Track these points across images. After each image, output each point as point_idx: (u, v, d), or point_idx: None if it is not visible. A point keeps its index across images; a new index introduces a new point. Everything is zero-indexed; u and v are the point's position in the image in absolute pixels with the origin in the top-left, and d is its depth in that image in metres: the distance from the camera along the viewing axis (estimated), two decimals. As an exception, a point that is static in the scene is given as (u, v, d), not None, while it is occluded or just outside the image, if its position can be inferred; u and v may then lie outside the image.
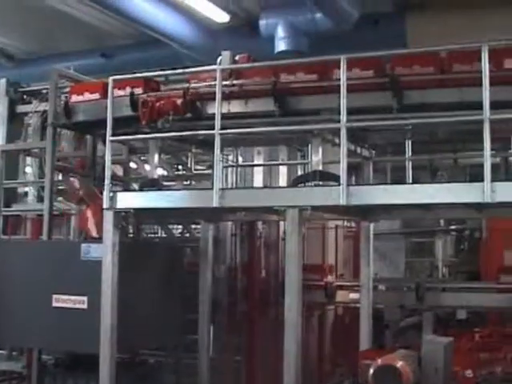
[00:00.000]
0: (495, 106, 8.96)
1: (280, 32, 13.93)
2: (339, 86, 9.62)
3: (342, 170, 9.50)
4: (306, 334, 13.13)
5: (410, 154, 13.10)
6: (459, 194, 9.20)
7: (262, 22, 14.18)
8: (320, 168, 10.75)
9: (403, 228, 20.55)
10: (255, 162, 15.19)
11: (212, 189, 10.15)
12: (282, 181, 15.57)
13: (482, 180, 8.92)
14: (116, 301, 10.81)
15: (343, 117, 9.53)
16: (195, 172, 16.84)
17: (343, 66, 9.64)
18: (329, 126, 10.47)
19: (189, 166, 16.90)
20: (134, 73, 12.32)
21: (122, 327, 10.85)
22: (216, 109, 10.19)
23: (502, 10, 12.64)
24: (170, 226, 15.95)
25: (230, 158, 15.24)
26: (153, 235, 17.32)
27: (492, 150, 8.96)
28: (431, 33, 13.10)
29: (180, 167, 18.12)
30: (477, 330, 12.21)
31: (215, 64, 11.53)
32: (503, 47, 9.94)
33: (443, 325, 14.42)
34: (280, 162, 15.34)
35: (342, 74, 9.61)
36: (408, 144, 12.92)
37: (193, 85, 11.29)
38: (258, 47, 13.53)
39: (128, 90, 11.51)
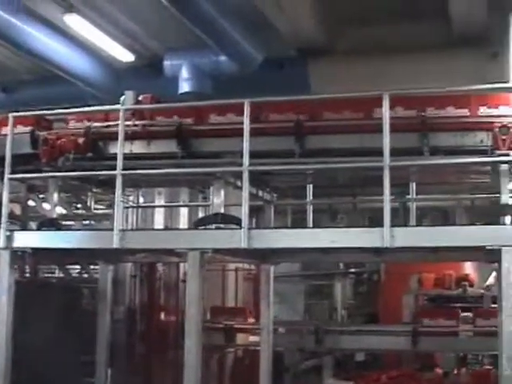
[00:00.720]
0: (395, 152, 9.17)
1: (184, 73, 13.97)
2: (242, 129, 9.67)
3: (243, 214, 9.52)
4: (205, 377, 13.01)
5: (311, 197, 13.21)
6: (359, 238, 9.32)
7: (167, 63, 14.20)
8: (222, 210, 10.76)
9: (302, 270, 20.67)
10: (156, 203, 15.11)
11: (112, 229, 10.02)
12: (183, 222, 15.51)
13: (381, 225, 9.08)
14: (11, 342, 10.50)
15: (246, 160, 9.57)
16: (95, 211, 16.64)
17: (247, 109, 9.70)
18: (232, 169, 10.50)
19: (88, 205, 16.69)
20: (30, 110, 12.08)
21: (17, 369, 10.56)
22: (118, 149, 10.09)
23: (405, 58, 12.96)
24: (68, 266, 15.68)
25: (131, 198, 15.10)
26: (50, 275, 16.99)
27: (391, 194, 9.14)
28: (334, 78, 13.33)
29: (79, 206, 17.87)
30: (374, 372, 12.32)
31: (118, 103, 11.45)
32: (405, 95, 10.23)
33: (342, 367, 14.55)
34: (181, 203, 15.30)
35: (246, 118, 9.66)
36: (309, 188, 13.04)
37: (95, 124, 11.19)
38: (161, 87, 13.50)
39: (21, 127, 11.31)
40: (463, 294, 15.42)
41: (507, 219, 10.06)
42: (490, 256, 9.51)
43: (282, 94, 10.93)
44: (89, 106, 13.18)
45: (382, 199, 9.13)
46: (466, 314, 13.23)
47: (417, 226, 12.68)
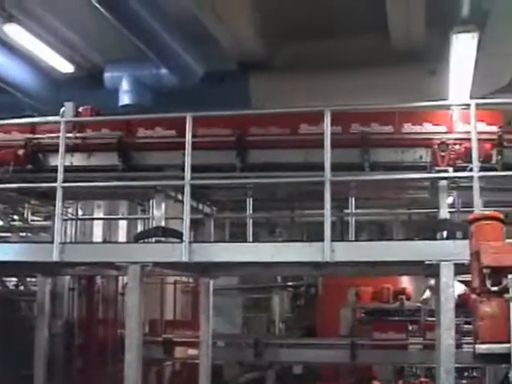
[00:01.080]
0: (335, 167, 9.27)
1: (124, 85, 13.89)
2: (184, 143, 9.68)
3: (184, 227, 9.52)
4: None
5: (251, 211, 13.24)
6: (300, 252, 9.40)
7: (107, 75, 14.11)
8: (162, 224, 10.73)
9: (240, 284, 20.69)
10: (95, 216, 14.99)
11: (52, 242, 9.92)
12: (122, 235, 15.42)
13: (319, 239, 9.17)
14: None
15: (187, 174, 9.57)
16: (32, 223, 16.43)
17: (189, 123, 9.71)
18: (173, 182, 10.49)
19: (25, 216, 16.48)
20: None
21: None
22: (59, 161, 10.00)
23: (346, 73, 13.08)
24: (4, 278, 15.44)
25: (70, 210, 14.95)
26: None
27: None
28: (275, 92, 13.40)
29: (15, 218, 17.62)
30: None
31: (58, 114, 11.35)
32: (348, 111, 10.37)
33: (280, 381, 14.58)
34: (121, 216, 15.20)
35: (188, 132, 9.67)
36: (249, 202, 13.08)
37: (36, 136, 11.08)
38: (102, 99, 13.39)
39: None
40: (400, 308, 15.59)
41: (445, 234, 10.23)
42: (428, 270, 9.66)
43: (223, 107, 10.99)
44: (27, 116, 13.08)
45: (321, 213, 9.23)
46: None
47: (356, 240, 12.79)
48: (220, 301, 15.83)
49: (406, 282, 16.52)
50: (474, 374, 14.75)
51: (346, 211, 13.44)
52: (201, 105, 12.90)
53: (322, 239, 9.11)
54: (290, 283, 20.08)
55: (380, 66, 13.11)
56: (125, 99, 13.87)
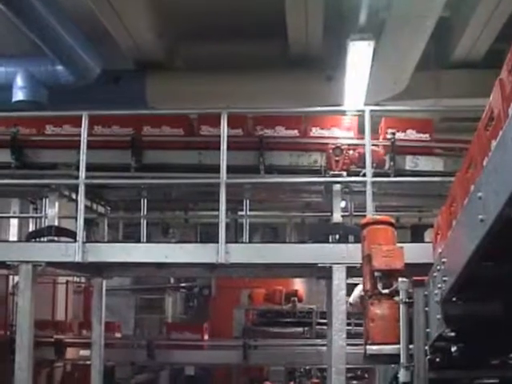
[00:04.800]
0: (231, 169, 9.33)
1: (19, 81, 13.58)
2: (78, 141, 9.58)
3: (78, 227, 9.43)
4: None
5: (145, 211, 13.18)
6: (194, 254, 9.44)
7: (1, 70, 13.79)
8: (56, 223, 10.57)
9: (133, 284, 20.57)
10: (-15, 214, 14.68)
11: None
12: (13, 233, 15.13)
13: (213, 240, 9.21)
14: None
15: (82, 173, 9.48)
16: None
17: (85, 122, 9.61)
18: (68, 181, 10.35)
19: None
20: None
21: None
22: (-51, 157, 9.80)
23: (243, 76, 13.11)
24: None
25: (-41, 207, 14.62)
26: None
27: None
28: (173, 94, 13.34)
29: None
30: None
31: None
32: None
33: (172, 382, 14.56)
34: (12, 214, 14.91)
35: (83, 131, 9.57)
36: (143, 202, 13.01)
37: None
38: (-6, 95, 13.13)
39: None
40: (293, 310, 15.77)
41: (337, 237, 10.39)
42: (320, 273, 9.82)
43: (118, 107, 10.93)
44: None
45: (215, 215, 9.28)
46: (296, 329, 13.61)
47: (250, 242, 12.89)
48: (113, 301, 15.74)
49: (298, 284, 16.73)
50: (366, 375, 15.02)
51: (241, 213, 13.51)
52: (96, 103, 12.72)
53: (216, 240, 9.16)
54: (183, 284, 20.07)
55: (279, 70, 13.22)
56: (19, 95, 13.56)
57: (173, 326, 15.43)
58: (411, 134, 10.46)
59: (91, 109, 10.00)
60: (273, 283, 15.98)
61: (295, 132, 10.58)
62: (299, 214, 14.83)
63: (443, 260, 5.03)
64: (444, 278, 4.94)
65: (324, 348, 12.02)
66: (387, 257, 6.13)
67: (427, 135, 10.55)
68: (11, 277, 13.97)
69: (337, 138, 10.33)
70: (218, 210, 9.26)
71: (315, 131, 10.54)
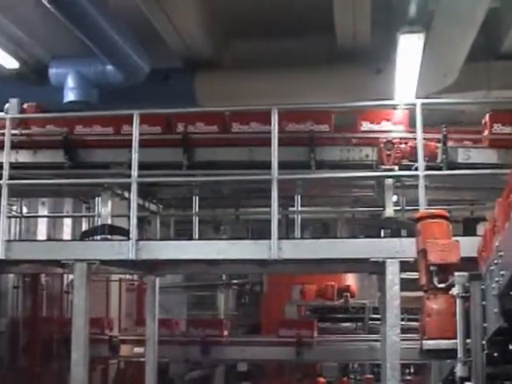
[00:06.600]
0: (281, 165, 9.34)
1: (70, 82, 13.71)
2: (131, 140, 9.66)
3: (131, 225, 9.52)
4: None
5: (197, 209, 13.24)
6: (247, 250, 9.46)
7: (52, 71, 13.91)
8: (109, 221, 10.68)
9: (185, 281, 20.67)
10: (40, 213, 14.84)
11: (-4, 240, 9.81)
12: (67, 232, 15.31)
13: (264, 236, 9.23)
14: None
15: (134, 172, 9.56)
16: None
17: (136, 121, 9.69)
18: (121, 180, 10.44)
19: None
20: None
21: None
22: (4, 158, 9.94)
23: (291, 72, 13.10)
24: None
25: (14, 208, 14.78)
26: None
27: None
28: (221, 91, 13.38)
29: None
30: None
31: (1, 111, 11.23)
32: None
33: (225, 378, 14.61)
34: (66, 213, 15.09)
35: (135, 129, 9.65)
36: (195, 199, 13.07)
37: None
38: (46, 96, 13.24)
39: None
40: (345, 305, 15.72)
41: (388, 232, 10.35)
42: (373, 268, 9.78)
43: (167, 105, 10.98)
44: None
45: (265, 211, 9.28)
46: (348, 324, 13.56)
47: (302, 238, 12.87)
48: (165, 299, 15.84)
49: (350, 279, 16.64)
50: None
51: (291, 209, 13.50)
52: (145, 102, 12.80)
53: (267, 237, 9.18)
54: (234, 281, 20.10)
55: (327, 65, 13.18)
56: (70, 96, 13.69)
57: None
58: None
59: (140, 108, 10.06)
60: (324, 279, 15.92)
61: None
62: (350, 209, 14.74)
63: (500, 253, 4.98)
64: (501, 272, 4.89)
65: (377, 343, 11.97)
66: (443, 251, 6.09)
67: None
68: (65, 275, 14.13)
69: (387, 132, 10.28)
70: (268, 206, 9.29)
71: (365, 125, 10.48)
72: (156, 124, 10.80)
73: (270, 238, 9.15)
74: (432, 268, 6.10)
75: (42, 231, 14.90)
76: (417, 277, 6.51)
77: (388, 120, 10.46)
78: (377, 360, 12.26)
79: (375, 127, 10.45)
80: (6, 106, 11.30)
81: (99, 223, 11.82)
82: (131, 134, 9.71)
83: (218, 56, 13.81)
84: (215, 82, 13.70)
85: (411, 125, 10.01)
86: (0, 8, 12.83)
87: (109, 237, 10.40)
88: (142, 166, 9.71)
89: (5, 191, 9.81)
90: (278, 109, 9.53)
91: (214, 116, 10.91)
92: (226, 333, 13.57)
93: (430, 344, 6.02)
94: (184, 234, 15.25)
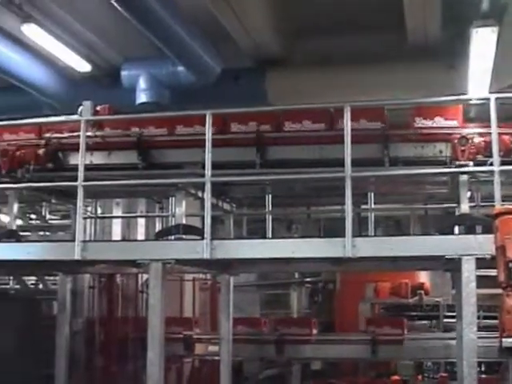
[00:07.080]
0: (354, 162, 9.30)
1: (142, 84, 13.88)
2: (203, 140, 9.72)
3: (206, 224, 9.57)
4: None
5: (270, 207, 13.25)
6: (321, 248, 9.43)
7: (124, 73, 14.10)
8: (183, 221, 10.77)
9: (258, 280, 20.74)
10: (114, 214, 15.04)
11: (73, 241, 9.97)
12: (141, 232, 15.48)
13: (336, 234, 9.19)
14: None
15: (208, 171, 9.62)
16: (50, 222, 16.50)
17: (209, 121, 9.75)
18: (194, 180, 10.52)
19: (43, 215, 16.56)
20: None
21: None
22: (79, 160, 10.11)
23: (362, 69, 13.07)
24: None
25: (89, 209, 15.02)
26: (5, 286, 16.82)
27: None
28: (291, 90, 13.39)
29: (33, 217, 17.72)
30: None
31: (75, 113, 11.42)
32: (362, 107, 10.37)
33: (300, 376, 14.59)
34: (140, 214, 15.27)
35: (208, 129, 9.72)
36: (268, 198, 13.09)
37: (55, 135, 11.14)
38: (119, 98, 13.44)
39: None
40: (419, 303, 15.59)
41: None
42: (447, 265, 9.68)
43: (238, 105, 11.02)
44: (45, 116, 13.14)
45: (337, 209, 9.23)
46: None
47: (376, 235, 12.79)
48: (238, 297, 15.92)
49: (424, 276, 16.50)
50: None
51: (364, 207, 13.42)
52: (216, 102, 12.87)
53: (339, 235, 9.14)
54: (307, 279, 20.10)
55: (397, 61, 13.07)
56: (142, 97, 13.87)
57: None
58: None
59: (213, 108, 10.11)
60: (398, 276, 15.81)
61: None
62: (423, 206, 14.59)
63: None
64: None
65: (452, 342, 11.83)
66: (522, 247, 6.00)
67: None
68: (140, 275, 14.29)
69: (443, 127, 10.16)
70: (339, 204, 9.25)
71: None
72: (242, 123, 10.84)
73: (341, 236, 9.12)
74: (511, 265, 6.02)
75: (116, 231, 15.09)
76: (492, 274, 6.42)
77: (441, 116, 10.31)
78: (452, 358, 12.13)
79: (428, 123, 10.30)
80: (80, 108, 11.47)
81: (173, 223, 11.93)
82: (204, 134, 9.76)
83: (287, 54, 13.82)
84: (285, 80, 13.72)
85: (477, 120, 9.86)
86: (73, 12, 13.07)
87: (183, 236, 10.46)
88: (214, 166, 9.75)
89: (80, 192, 9.97)
90: (351, 106, 9.48)
91: (286, 114, 10.88)
92: (314, 331, 13.56)
93: (509, 342, 5.94)
94: (256, 232, 15.28)
